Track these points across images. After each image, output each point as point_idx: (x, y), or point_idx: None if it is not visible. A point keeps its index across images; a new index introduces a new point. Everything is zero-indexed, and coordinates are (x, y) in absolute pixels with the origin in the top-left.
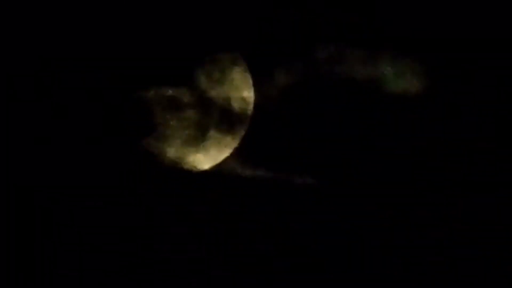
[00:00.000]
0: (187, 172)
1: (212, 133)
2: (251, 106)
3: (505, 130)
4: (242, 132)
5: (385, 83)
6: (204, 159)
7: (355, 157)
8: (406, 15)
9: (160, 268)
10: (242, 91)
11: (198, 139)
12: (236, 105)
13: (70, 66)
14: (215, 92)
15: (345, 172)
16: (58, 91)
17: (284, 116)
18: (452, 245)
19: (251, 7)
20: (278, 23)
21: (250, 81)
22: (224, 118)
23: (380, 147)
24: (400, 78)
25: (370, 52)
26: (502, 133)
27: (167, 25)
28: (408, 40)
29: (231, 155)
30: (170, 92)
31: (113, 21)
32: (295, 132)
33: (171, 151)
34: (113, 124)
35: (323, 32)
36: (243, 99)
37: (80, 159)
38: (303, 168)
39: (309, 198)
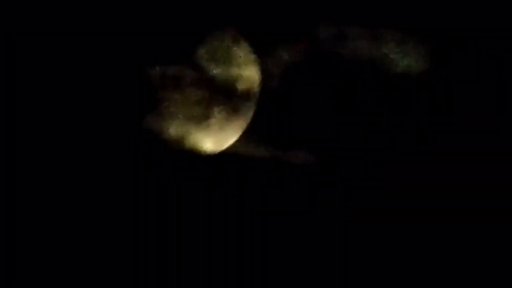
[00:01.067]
0: (189, 151)
1: (216, 112)
2: (256, 86)
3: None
4: (247, 112)
5: (389, 62)
6: (207, 138)
7: (359, 136)
8: None
9: (160, 250)
10: (246, 70)
11: (200, 117)
12: (240, 84)
13: (71, 41)
14: (217, 70)
15: (349, 151)
16: (58, 69)
17: (289, 96)
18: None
19: None
20: (281, 1)
21: (254, 60)
22: (227, 97)
23: (384, 126)
24: (404, 58)
25: (374, 30)
26: (506, 117)
27: (167, 2)
28: (412, 19)
29: (236, 135)
30: (172, 69)
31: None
32: (300, 112)
33: (173, 130)
34: (114, 101)
35: (327, 10)
36: (247, 78)
37: (80, 136)
38: (307, 147)
39: (314, 177)
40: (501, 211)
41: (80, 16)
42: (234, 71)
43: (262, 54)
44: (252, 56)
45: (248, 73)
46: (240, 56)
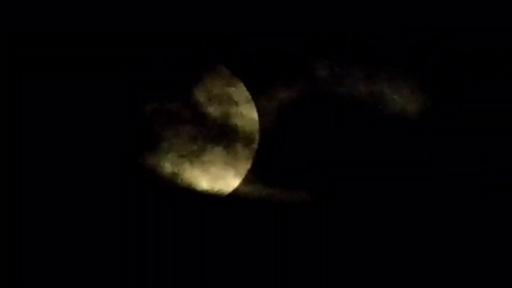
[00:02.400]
0: (183, 188)
1: (210, 149)
2: (251, 124)
3: (503, 149)
4: (241, 149)
5: (384, 101)
6: (201, 175)
7: (356, 173)
8: (404, 34)
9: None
10: (241, 108)
11: (195, 154)
12: (235, 122)
13: (67, 73)
14: (212, 108)
15: (344, 188)
16: (55, 99)
17: (286, 135)
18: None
19: (251, 24)
20: (278, 41)
21: (249, 98)
22: (222, 134)
23: (380, 163)
24: (399, 97)
25: (369, 70)
26: (500, 150)
27: (164, 40)
28: (407, 59)
29: (238, 176)
30: (168, 106)
31: (112, 34)
32: (296, 150)
33: (168, 166)
34: (110, 137)
35: (323, 51)
36: (243, 116)
37: (76, 171)
38: (303, 185)
39: (306, 216)
40: None
41: (77, 50)
42: (229, 109)
43: (259, 94)
44: (248, 96)
45: (243, 111)
46: (236, 96)
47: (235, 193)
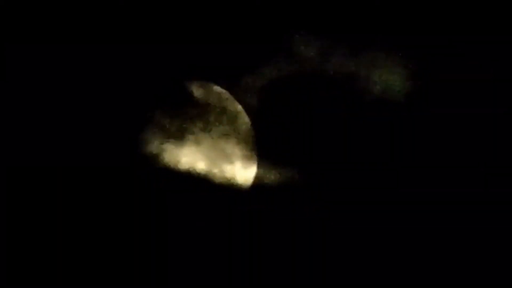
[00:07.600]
0: (164, 168)
1: (190, 128)
2: (232, 103)
3: (491, 133)
4: (223, 128)
5: (369, 80)
6: (182, 155)
7: (344, 155)
8: (396, 12)
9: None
10: (218, 90)
11: (176, 134)
12: (214, 101)
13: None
14: (193, 87)
15: (333, 170)
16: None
17: (270, 114)
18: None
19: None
20: (263, 18)
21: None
22: (203, 114)
23: (369, 144)
24: (387, 76)
25: (357, 49)
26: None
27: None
28: (396, 38)
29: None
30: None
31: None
32: (281, 130)
33: (149, 146)
34: (95, 118)
35: (310, 28)
36: (222, 95)
37: (63, 159)
38: (284, 165)
39: (293, 197)
40: None
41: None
42: (208, 88)
43: (244, 73)
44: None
45: (220, 91)
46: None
47: (226, 174)
